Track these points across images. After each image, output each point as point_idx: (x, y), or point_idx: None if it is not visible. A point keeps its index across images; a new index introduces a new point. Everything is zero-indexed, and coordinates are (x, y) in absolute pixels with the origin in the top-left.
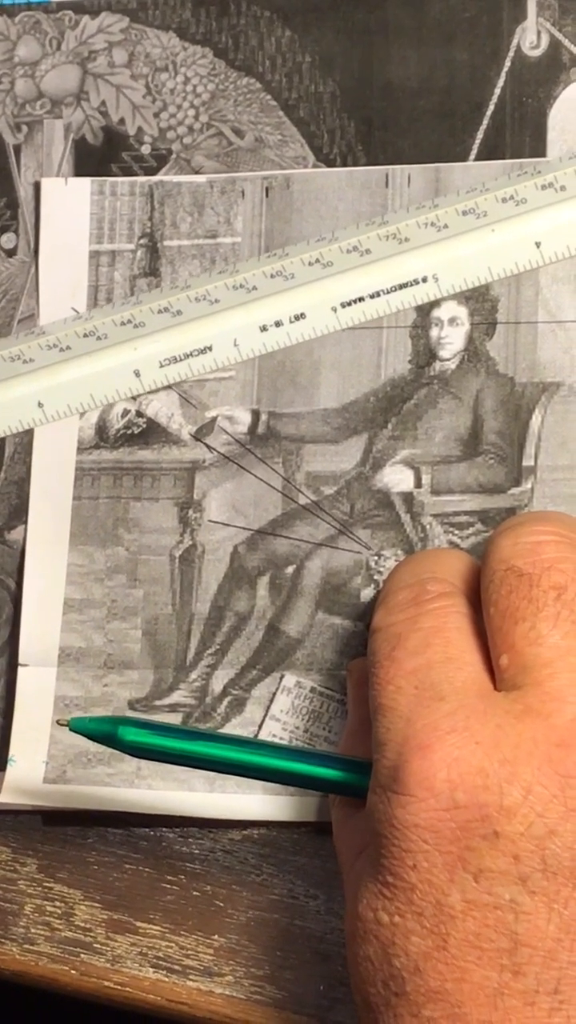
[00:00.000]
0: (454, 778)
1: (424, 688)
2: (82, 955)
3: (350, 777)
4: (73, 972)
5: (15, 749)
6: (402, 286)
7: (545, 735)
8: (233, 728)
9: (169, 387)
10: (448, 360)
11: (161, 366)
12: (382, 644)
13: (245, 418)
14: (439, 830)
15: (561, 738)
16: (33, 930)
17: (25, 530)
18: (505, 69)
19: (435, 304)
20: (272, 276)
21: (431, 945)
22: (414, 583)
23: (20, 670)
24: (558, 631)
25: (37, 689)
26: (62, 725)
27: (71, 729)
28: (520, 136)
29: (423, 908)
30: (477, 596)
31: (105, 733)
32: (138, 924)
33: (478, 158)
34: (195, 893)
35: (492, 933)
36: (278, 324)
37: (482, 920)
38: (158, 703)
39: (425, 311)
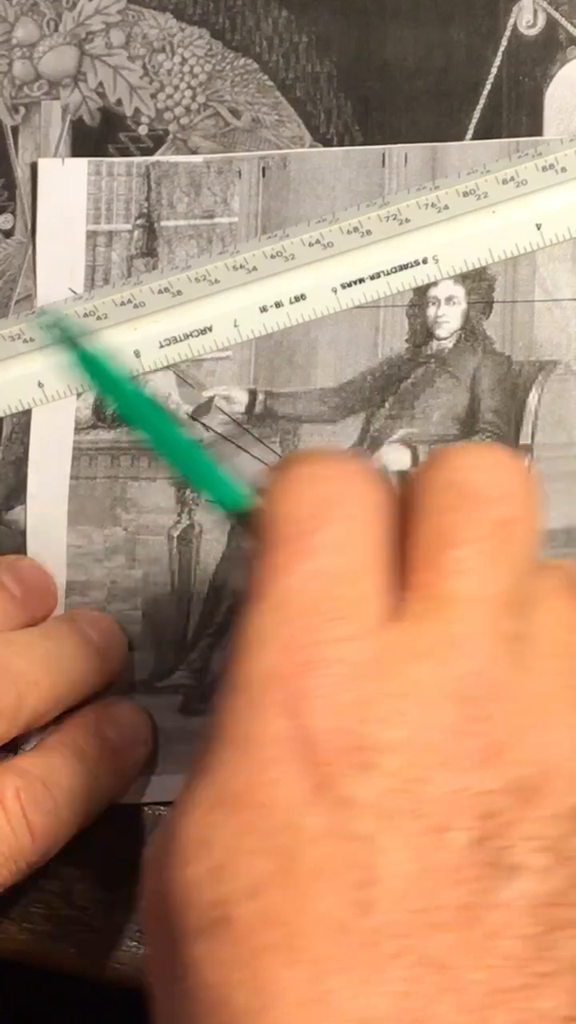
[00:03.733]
0: (338, 709)
1: (323, 592)
2: (81, 934)
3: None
4: (72, 951)
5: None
6: (403, 267)
7: (437, 683)
8: None
9: (167, 367)
10: (445, 339)
11: (161, 346)
12: (290, 524)
13: (242, 398)
14: (308, 753)
15: (455, 690)
16: (32, 908)
17: (25, 511)
18: (502, 48)
19: (432, 283)
20: (272, 257)
21: (274, 867)
22: (329, 456)
23: None
24: (488, 569)
25: None
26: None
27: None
28: (516, 115)
29: (272, 826)
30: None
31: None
32: (138, 903)
33: (474, 138)
34: None
35: (346, 863)
36: (278, 305)
37: (337, 848)
38: (159, 684)
39: (422, 290)
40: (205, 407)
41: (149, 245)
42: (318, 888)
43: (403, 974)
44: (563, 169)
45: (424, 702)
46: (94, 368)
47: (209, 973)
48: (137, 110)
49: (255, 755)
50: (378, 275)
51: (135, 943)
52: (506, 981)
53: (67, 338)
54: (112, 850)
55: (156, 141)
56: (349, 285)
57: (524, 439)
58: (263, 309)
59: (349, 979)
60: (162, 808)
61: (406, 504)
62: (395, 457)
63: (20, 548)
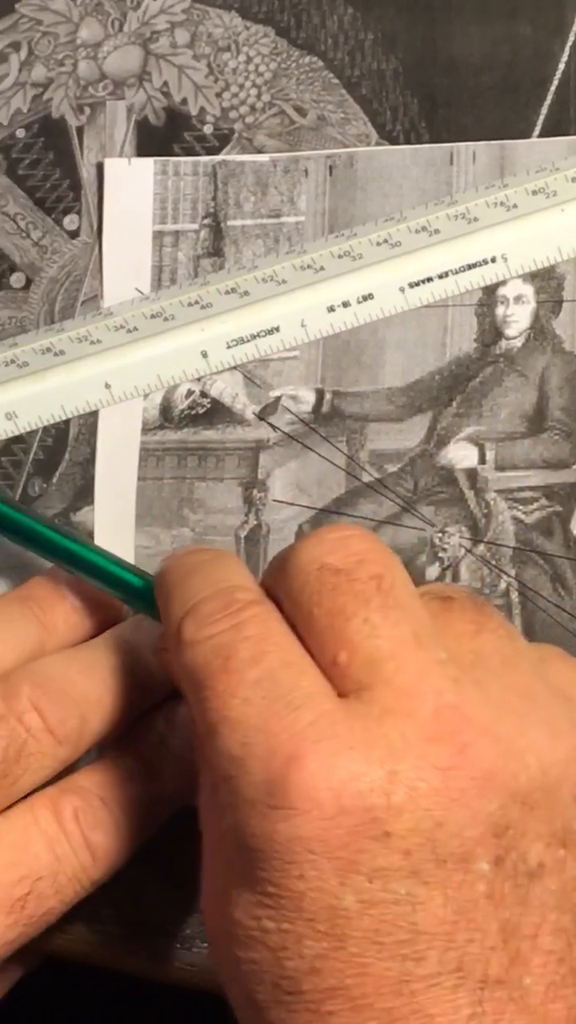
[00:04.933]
0: (336, 786)
1: (274, 698)
2: (151, 936)
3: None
4: (142, 953)
5: None
6: (471, 266)
7: (414, 732)
8: None
9: (234, 367)
10: (514, 338)
11: (228, 347)
12: (209, 657)
13: (309, 397)
14: (326, 839)
15: (429, 733)
16: (102, 911)
17: (92, 512)
18: (569, 43)
19: (501, 282)
20: (340, 256)
21: (327, 947)
22: (216, 592)
23: None
24: (389, 620)
25: None
26: None
27: None
28: None
29: (315, 914)
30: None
31: None
32: None
33: (542, 134)
34: None
35: (390, 927)
36: (346, 304)
37: (379, 917)
38: None
39: (491, 289)
40: (272, 407)
41: (216, 245)
42: (371, 955)
43: (466, 999)
44: None
45: (409, 757)
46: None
47: None
48: (202, 109)
49: (276, 860)
50: (446, 274)
51: (205, 945)
52: (553, 975)
53: None
54: (181, 852)
55: (221, 140)
56: (417, 284)
57: None
58: (331, 309)
59: (418, 1020)
60: None
61: (277, 600)
62: (462, 455)
63: None
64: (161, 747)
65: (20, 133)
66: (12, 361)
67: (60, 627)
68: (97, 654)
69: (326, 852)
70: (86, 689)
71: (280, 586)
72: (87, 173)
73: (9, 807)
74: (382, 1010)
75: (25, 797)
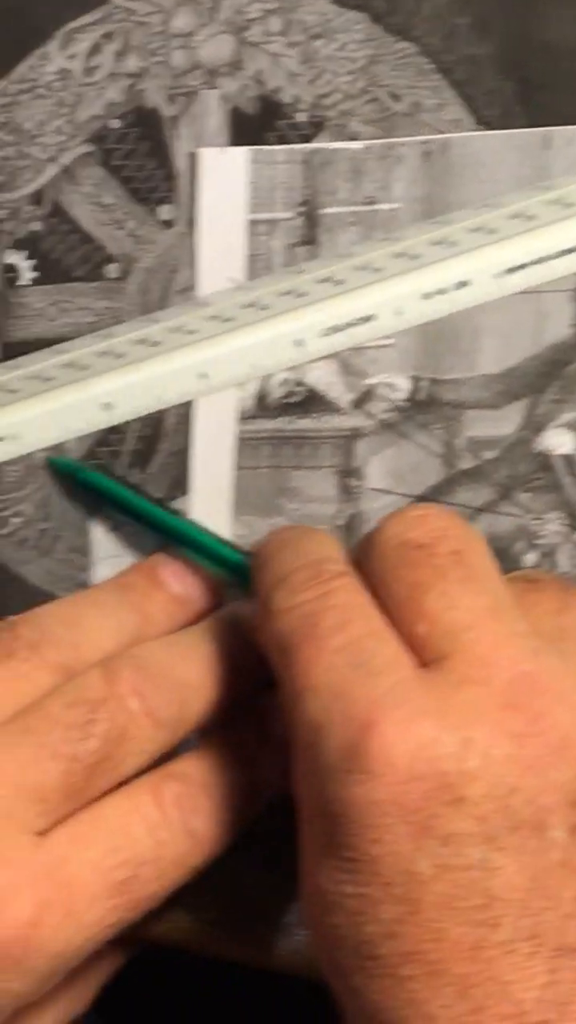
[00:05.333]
0: (411, 751)
1: (356, 664)
2: (251, 923)
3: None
4: (242, 940)
5: None
6: (567, 251)
7: (488, 700)
8: None
9: (329, 356)
10: None
11: (324, 335)
12: (296, 624)
13: (405, 385)
14: (402, 803)
15: (504, 701)
16: (202, 898)
17: (188, 502)
18: None
19: None
20: (435, 244)
21: (403, 911)
22: (306, 564)
23: None
24: (468, 592)
25: None
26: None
27: (50, 464)
28: None
29: (391, 878)
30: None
31: (68, 470)
32: None
33: None
34: None
35: (465, 893)
36: (441, 292)
37: (454, 882)
38: None
39: None
40: (368, 395)
41: (310, 233)
42: (446, 920)
43: (542, 967)
44: None
45: (483, 724)
46: (99, 484)
47: (369, 1002)
48: (296, 97)
49: (354, 824)
50: (542, 260)
51: (304, 931)
52: None
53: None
54: (281, 839)
55: (315, 128)
56: (513, 271)
57: None
58: (426, 296)
59: (494, 986)
60: None
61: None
62: (559, 441)
63: None
64: (260, 734)
65: (114, 124)
66: (108, 352)
67: (158, 615)
68: (196, 640)
69: (401, 816)
70: (186, 674)
71: (365, 562)
72: (181, 163)
73: (111, 793)
74: (458, 975)
75: (126, 783)
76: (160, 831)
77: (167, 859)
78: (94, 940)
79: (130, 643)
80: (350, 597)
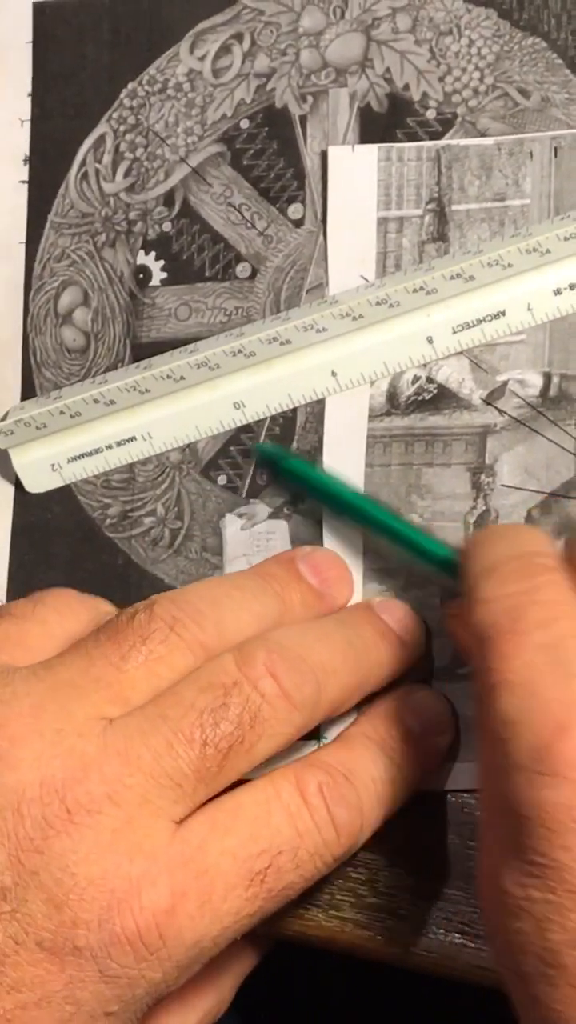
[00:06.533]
0: None
1: (556, 664)
2: (387, 921)
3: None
4: (379, 938)
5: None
6: None
7: None
8: None
9: (460, 352)
10: None
11: (454, 332)
12: (500, 616)
13: (537, 381)
14: None
15: None
16: (339, 896)
17: None
18: None
19: None
20: (566, 239)
21: None
22: (520, 555)
23: None
24: None
25: None
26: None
27: (256, 450)
28: None
29: None
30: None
31: (272, 457)
32: (443, 890)
33: None
34: None
35: None
36: (572, 287)
37: None
38: (460, 671)
39: None
40: (499, 391)
41: (440, 230)
42: None
43: None
44: None
45: None
46: (303, 472)
47: (551, 1012)
48: (425, 94)
49: (542, 828)
50: None
51: (441, 930)
52: None
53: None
54: (417, 837)
55: (444, 125)
56: None
57: None
58: (557, 292)
59: None
60: (465, 795)
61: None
62: None
63: (317, 538)
64: (399, 729)
65: (244, 124)
66: (239, 351)
67: (298, 606)
68: (332, 626)
69: None
70: (322, 657)
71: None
72: (311, 162)
73: (250, 781)
74: None
75: (269, 772)
76: (301, 820)
77: (307, 849)
78: (232, 931)
79: (270, 629)
80: (558, 594)
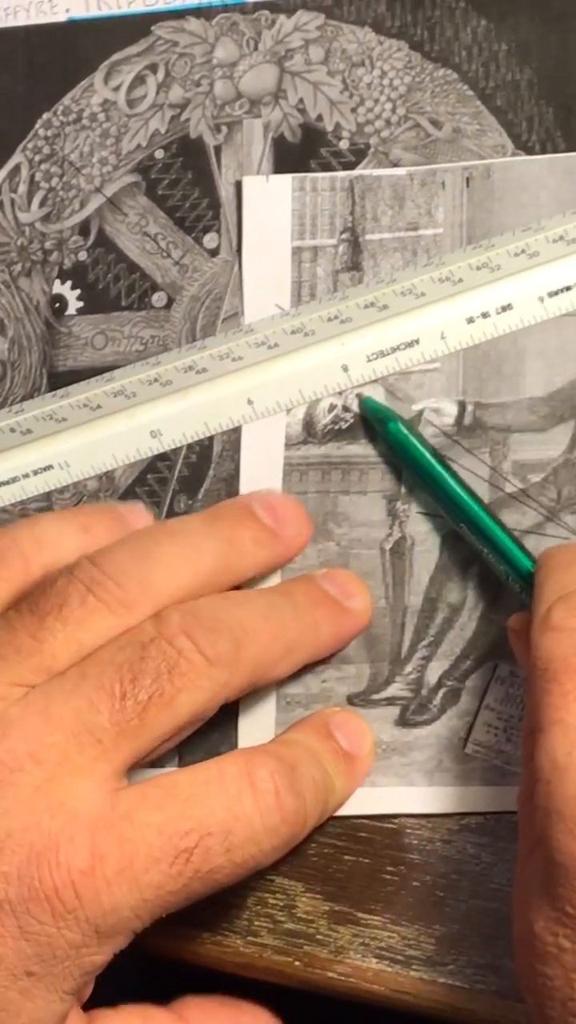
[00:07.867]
0: None
1: None
2: (305, 946)
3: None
4: (297, 963)
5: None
6: None
7: None
8: (449, 719)
9: (375, 381)
10: None
11: (369, 360)
12: (568, 650)
13: (451, 410)
14: None
15: None
16: (256, 922)
17: None
18: None
19: None
20: (478, 268)
21: None
22: None
23: None
24: None
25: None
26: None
27: (361, 403)
28: None
29: None
30: None
31: (382, 417)
32: (359, 915)
33: None
34: (415, 883)
35: None
36: (485, 316)
37: None
38: (375, 697)
39: None
40: (415, 420)
41: (354, 259)
42: None
43: None
44: None
45: None
46: (405, 443)
47: None
48: (338, 125)
49: None
50: None
51: (359, 956)
52: None
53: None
54: (334, 862)
55: (358, 155)
56: (556, 293)
57: None
58: (470, 320)
59: None
60: (380, 822)
61: None
62: None
63: None
64: (329, 743)
65: (159, 154)
66: (156, 380)
67: (247, 543)
68: (252, 594)
69: None
70: (239, 616)
71: None
72: (225, 191)
73: (197, 763)
74: None
75: (219, 756)
76: (239, 804)
77: (241, 834)
78: (153, 904)
79: (211, 571)
80: None
